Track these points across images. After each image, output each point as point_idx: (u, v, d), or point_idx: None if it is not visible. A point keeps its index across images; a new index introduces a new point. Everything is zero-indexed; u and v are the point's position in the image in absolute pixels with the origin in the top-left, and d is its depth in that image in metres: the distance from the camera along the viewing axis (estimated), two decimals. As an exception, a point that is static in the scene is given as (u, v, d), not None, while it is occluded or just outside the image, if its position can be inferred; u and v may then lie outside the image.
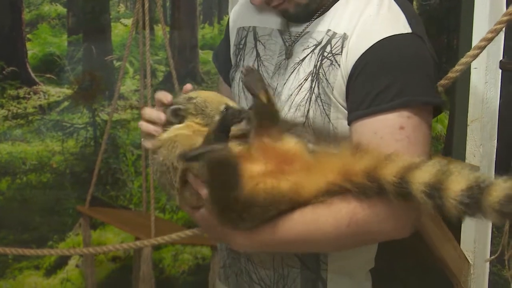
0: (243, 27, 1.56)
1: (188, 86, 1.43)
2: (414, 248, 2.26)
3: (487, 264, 2.10)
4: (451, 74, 1.46)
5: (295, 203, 1.26)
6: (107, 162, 3.32)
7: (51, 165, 3.30)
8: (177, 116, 1.37)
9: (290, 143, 1.29)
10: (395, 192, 1.17)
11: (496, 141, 2.03)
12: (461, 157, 2.13)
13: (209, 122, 1.35)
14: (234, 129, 1.31)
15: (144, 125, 1.39)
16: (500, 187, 1.08)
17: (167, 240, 2.81)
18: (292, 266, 1.45)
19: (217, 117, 1.34)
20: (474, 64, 2.04)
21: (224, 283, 1.60)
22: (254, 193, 1.24)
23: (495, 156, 2.05)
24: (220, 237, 1.38)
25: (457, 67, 1.47)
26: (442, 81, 1.42)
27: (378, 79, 1.26)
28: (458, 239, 2.15)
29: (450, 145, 2.30)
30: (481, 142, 2.04)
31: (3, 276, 3.28)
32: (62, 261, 3.35)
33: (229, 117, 1.29)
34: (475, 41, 1.75)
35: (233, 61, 1.59)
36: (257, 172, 1.26)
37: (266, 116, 1.30)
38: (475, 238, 2.11)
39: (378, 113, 1.27)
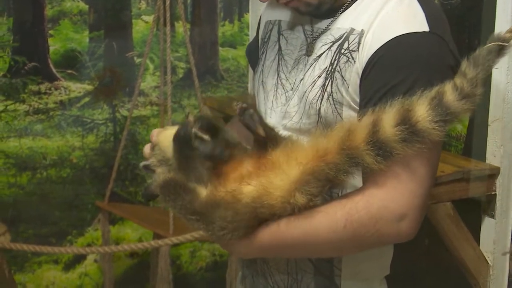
0: (270, 20, 1.55)
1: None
2: (433, 248, 2.25)
3: (507, 265, 2.09)
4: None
5: (269, 201, 1.24)
6: (126, 158, 3.34)
7: (71, 160, 3.32)
8: (150, 170, 1.36)
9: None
10: (373, 155, 1.17)
11: (517, 141, 2.01)
12: (481, 157, 2.12)
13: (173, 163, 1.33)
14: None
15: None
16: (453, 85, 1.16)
17: (181, 241, 2.82)
18: (305, 271, 1.44)
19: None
20: (495, 64, 2.03)
21: (241, 283, 1.59)
22: (211, 200, 1.26)
23: (516, 157, 2.04)
24: (223, 247, 1.39)
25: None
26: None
27: (389, 77, 1.25)
28: (477, 239, 2.13)
29: (470, 145, 2.28)
30: (501, 143, 2.02)
31: (22, 270, 3.31)
32: (80, 256, 3.37)
33: (181, 136, 1.28)
34: (497, 41, 1.74)
35: (259, 54, 1.59)
36: (222, 179, 1.28)
37: (265, 144, 1.30)
38: (495, 238, 2.10)
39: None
